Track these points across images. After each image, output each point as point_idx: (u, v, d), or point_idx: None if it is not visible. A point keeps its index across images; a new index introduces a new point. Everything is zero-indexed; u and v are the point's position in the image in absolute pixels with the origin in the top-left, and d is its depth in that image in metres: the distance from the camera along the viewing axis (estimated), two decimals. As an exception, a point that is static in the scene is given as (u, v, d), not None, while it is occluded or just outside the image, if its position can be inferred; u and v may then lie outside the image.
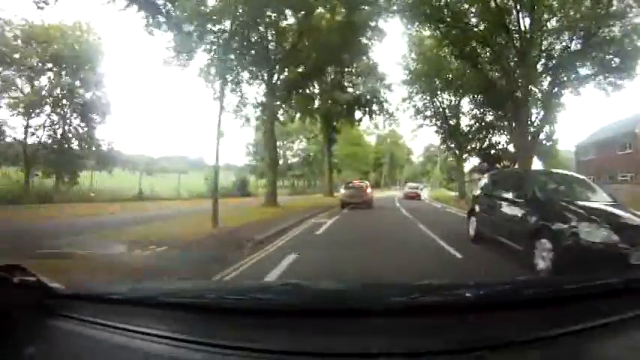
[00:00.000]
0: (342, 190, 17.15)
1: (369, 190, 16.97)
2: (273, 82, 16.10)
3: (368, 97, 25.62)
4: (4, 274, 0.90)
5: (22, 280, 0.93)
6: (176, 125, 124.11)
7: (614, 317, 0.92)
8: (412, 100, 27.48)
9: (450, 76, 21.09)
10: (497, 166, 30.42)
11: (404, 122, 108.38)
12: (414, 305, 0.96)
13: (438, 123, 27.70)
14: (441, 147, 30.64)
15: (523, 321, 0.92)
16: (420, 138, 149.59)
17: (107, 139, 22.48)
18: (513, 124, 17.80)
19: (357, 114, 28.13)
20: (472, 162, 32.89)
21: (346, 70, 25.08)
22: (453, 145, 27.66)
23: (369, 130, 55.73)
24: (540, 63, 17.25)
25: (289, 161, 51.25)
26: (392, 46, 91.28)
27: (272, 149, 15.45)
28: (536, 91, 17.79)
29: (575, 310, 0.99)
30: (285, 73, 16.42)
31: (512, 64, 16.85)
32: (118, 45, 68.16)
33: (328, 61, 15.10)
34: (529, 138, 16.57)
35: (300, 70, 15.54)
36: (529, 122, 17.11)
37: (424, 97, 26.81)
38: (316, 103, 26.95)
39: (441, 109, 26.58)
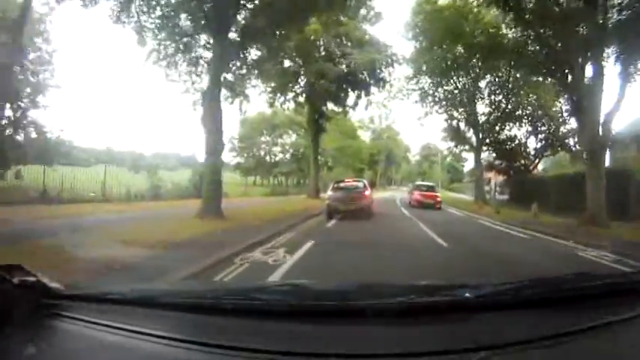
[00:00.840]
0: (330, 193, 11.69)
1: (367, 193, 11.57)
2: (223, 29, 10.51)
3: (365, 73, 20.26)
4: (4, 274, 0.90)
5: (22, 280, 0.93)
6: (169, 122, 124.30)
7: (615, 317, 0.91)
8: (419, 82, 22.20)
9: (480, 37, 15.50)
10: (516, 164, 25.54)
11: (406, 110, 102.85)
12: (414, 305, 0.95)
13: (450, 109, 22.44)
14: (452, 140, 25.01)
15: (523, 321, 0.92)
16: (417, 136, 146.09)
17: (51, 127, 17.88)
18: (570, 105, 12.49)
19: (351, 98, 22.94)
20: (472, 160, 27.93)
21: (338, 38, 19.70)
22: (471, 136, 22.33)
23: (364, 124, 50.93)
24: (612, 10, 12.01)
25: (277, 157, 46.13)
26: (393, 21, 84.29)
27: (214, 129, 9.55)
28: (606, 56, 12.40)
29: (576, 310, 0.98)
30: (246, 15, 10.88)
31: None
32: (118, 44, 62.28)
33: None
34: (599, 124, 11.20)
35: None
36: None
37: (434, 77, 21.46)
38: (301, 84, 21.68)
39: (456, 90, 21.24)
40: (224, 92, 14.07)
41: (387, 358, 0.75)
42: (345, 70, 18.69)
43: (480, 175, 22.31)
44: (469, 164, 61.21)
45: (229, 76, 15.50)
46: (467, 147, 24.74)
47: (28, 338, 0.85)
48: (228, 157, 42.55)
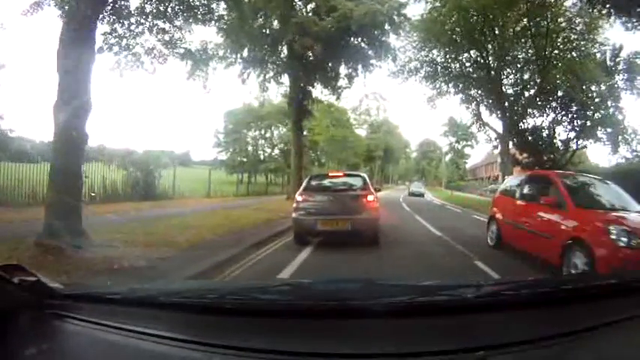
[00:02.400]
0: (300, 197, 6.28)
1: (370, 198, 6.07)
2: None
3: (362, 37, 15.40)
4: (4, 274, 0.88)
5: (22, 280, 0.91)
6: (165, 120, 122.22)
7: (615, 317, 0.90)
8: (431, 50, 17.50)
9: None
10: (545, 158, 20.92)
11: (406, 98, 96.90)
12: (414, 305, 0.94)
13: (471, 87, 17.78)
14: (476, 122, 20.21)
15: (523, 321, 0.91)
16: (414, 132, 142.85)
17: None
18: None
19: (342, 80, 18.18)
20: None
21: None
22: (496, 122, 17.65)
23: (360, 112, 46.40)
24: None
25: (265, 153, 41.38)
26: None
27: (74, 74, 4.44)
28: None
29: (576, 310, 0.97)
30: None
31: None
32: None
33: None
34: None
35: None
36: None
37: (450, 44, 16.71)
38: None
39: (480, 60, 16.50)
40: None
41: (387, 358, 0.75)
42: (334, 27, 13.71)
43: (511, 172, 17.57)
44: (471, 161, 57.16)
45: (167, 26, 10.56)
46: (472, 140, 20.09)
47: (29, 338, 0.85)
48: (213, 153, 38.50)
